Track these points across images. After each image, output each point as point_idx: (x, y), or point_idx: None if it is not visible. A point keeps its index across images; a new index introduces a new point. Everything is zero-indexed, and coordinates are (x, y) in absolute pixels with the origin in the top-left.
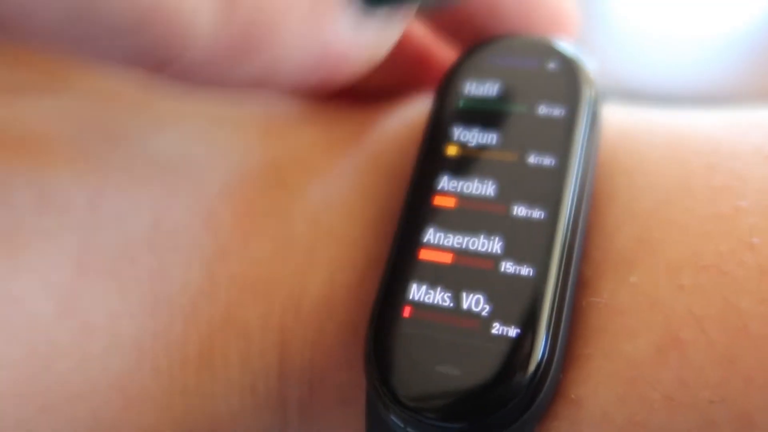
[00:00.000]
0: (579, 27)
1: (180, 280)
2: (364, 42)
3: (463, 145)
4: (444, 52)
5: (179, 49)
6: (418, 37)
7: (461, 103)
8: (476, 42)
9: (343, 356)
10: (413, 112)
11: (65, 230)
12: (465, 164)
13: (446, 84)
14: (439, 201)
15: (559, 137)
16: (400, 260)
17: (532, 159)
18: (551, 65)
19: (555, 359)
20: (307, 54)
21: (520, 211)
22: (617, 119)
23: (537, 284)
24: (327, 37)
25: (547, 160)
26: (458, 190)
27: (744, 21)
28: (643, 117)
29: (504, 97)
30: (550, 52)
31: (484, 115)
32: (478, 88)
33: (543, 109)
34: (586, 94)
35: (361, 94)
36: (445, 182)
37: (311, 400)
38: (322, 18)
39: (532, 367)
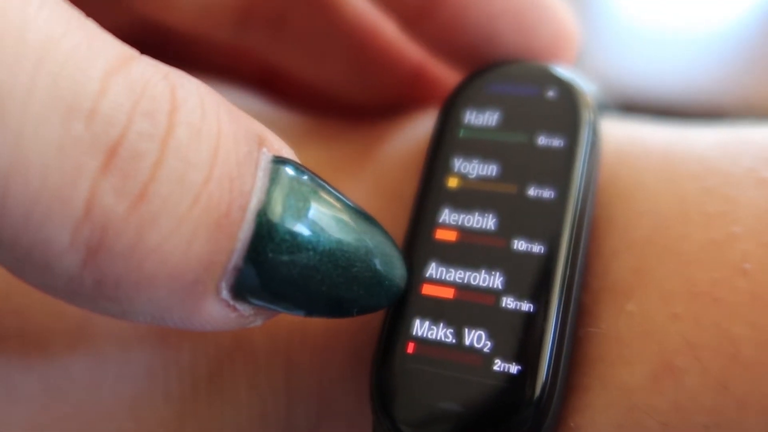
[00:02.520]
0: (579, 48)
1: None
2: (231, 321)
3: (463, 177)
4: (440, 70)
5: (42, 280)
6: (414, 56)
7: (461, 133)
8: (476, 68)
9: (349, 382)
10: (414, 134)
11: None
12: (466, 197)
13: (446, 112)
14: (440, 234)
15: (558, 169)
16: (403, 294)
17: (532, 191)
18: (550, 93)
19: (556, 393)
20: (164, 315)
21: (520, 245)
22: (614, 141)
23: (537, 320)
24: (191, 312)
25: (547, 193)
26: (459, 223)
27: (740, 16)
28: (638, 136)
29: (503, 127)
30: (549, 79)
31: (484, 145)
32: (478, 117)
33: (542, 140)
34: (585, 124)
35: (358, 109)
36: (446, 215)
37: (319, 424)
38: (190, 298)
39: (533, 403)
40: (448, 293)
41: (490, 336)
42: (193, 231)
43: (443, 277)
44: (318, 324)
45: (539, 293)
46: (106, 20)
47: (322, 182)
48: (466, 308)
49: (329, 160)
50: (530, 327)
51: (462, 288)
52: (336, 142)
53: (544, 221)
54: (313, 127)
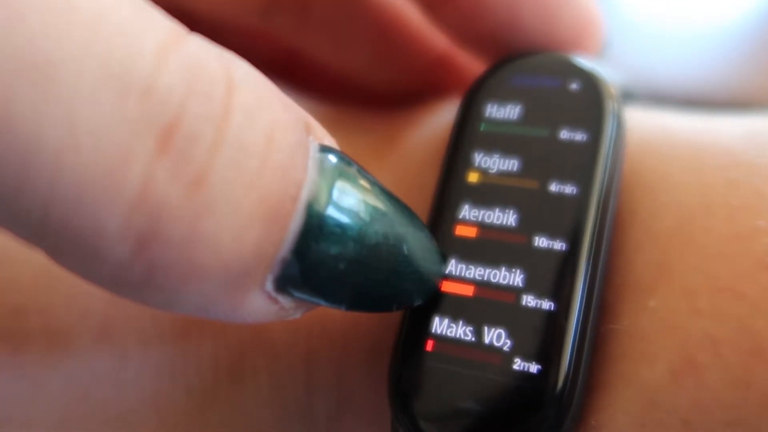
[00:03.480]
0: (605, 36)
1: None
2: (271, 314)
3: (484, 172)
4: (463, 58)
5: (88, 268)
6: (438, 43)
7: (482, 127)
8: (499, 58)
9: (368, 375)
10: (436, 124)
11: None
12: (486, 192)
13: (467, 105)
14: (460, 231)
15: (581, 164)
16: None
17: (554, 187)
18: (573, 85)
19: (576, 392)
20: (208, 308)
21: (541, 242)
22: (639, 130)
23: (558, 319)
24: (235, 305)
25: (569, 189)
26: (480, 219)
27: (746, 12)
28: (663, 126)
29: (525, 121)
30: (572, 70)
31: (505, 139)
32: (499, 110)
33: (565, 134)
34: (609, 117)
35: (381, 96)
36: (466, 211)
37: (339, 416)
38: (238, 290)
39: (552, 403)
40: (467, 291)
41: (510, 334)
42: (248, 220)
43: (463, 274)
44: (337, 317)
45: (560, 291)
46: None
47: (367, 173)
48: (485, 306)
49: (351, 150)
50: (551, 326)
51: (482, 285)
52: (358, 132)
53: (566, 217)
54: (335, 115)
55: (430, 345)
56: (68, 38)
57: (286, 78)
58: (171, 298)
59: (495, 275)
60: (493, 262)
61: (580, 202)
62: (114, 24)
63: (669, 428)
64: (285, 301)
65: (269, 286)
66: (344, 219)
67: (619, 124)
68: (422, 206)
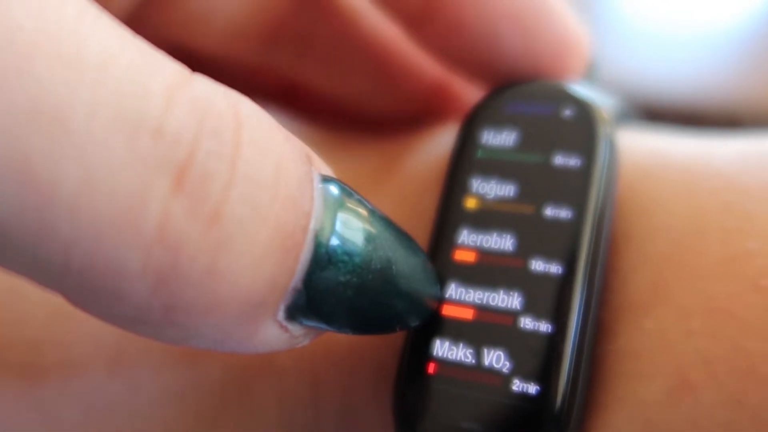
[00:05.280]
0: (592, 56)
1: None
2: (282, 342)
3: (481, 198)
4: (458, 84)
5: (109, 309)
6: (433, 71)
7: (479, 153)
8: (494, 87)
9: (374, 397)
10: (435, 150)
11: None
12: (484, 218)
13: (464, 132)
14: (459, 255)
15: (575, 189)
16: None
17: (549, 211)
18: (567, 112)
19: (575, 412)
20: (222, 341)
21: (538, 265)
22: (634, 154)
23: (556, 340)
24: (250, 335)
25: (564, 213)
26: (478, 244)
27: (747, 15)
28: (657, 149)
29: (520, 147)
30: (565, 97)
31: (502, 165)
32: (495, 137)
33: (559, 159)
34: (602, 142)
35: (379, 122)
36: (465, 236)
37: None
38: (252, 321)
39: (552, 423)
40: (467, 314)
41: (509, 356)
42: (264, 252)
43: (462, 298)
44: (342, 341)
45: (557, 313)
46: None
47: (365, 201)
48: (485, 329)
49: (350, 175)
50: (548, 347)
51: (481, 308)
52: (357, 157)
53: (561, 241)
54: (334, 140)
55: (431, 368)
56: (77, 85)
57: (285, 106)
58: (188, 334)
59: (494, 298)
60: (492, 285)
61: (575, 225)
62: (121, 68)
63: None
64: (294, 329)
65: (281, 315)
66: (348, 247)
67: (612, 149)
68: (422, 231)
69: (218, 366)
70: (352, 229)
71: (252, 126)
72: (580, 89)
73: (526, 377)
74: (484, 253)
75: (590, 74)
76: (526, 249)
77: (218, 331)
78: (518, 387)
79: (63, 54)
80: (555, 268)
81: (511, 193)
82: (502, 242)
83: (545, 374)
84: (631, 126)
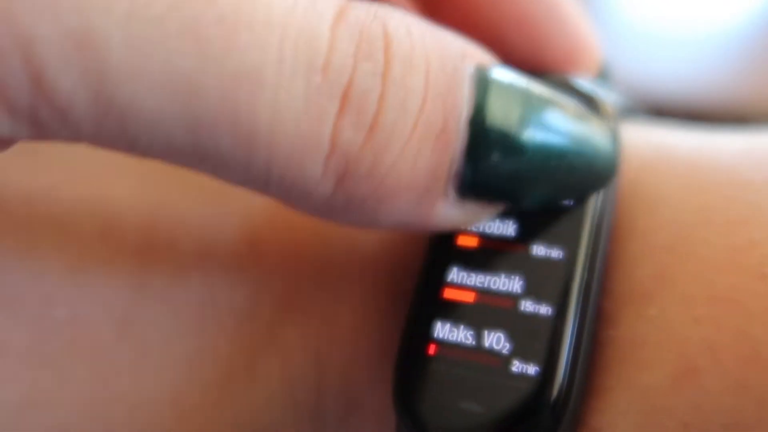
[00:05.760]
0: (603, 58)
1: (227, 303)
2: (461, 218)
3: None
4: None
5: (305, 204)
6: None
7: None
8: None
9: (377, 377)
10: None
11: (124, 255)
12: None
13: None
14: (462, 241)
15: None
16: (425, 298)
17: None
18: None
19: (573, 395)
20: (406, 221)
21: (539, 250)
22: (638, 148)
23: (555, 323)
24: (426, 215)
25: (566, 202)
26: (480, 229)
27: (746, 16)
28: (662, 143)
29: None
30: (569, 91)
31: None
32: None
33: None
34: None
35: None
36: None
37: (347, 416)
38: (424, 203)
39: (550, 404)
40: (468, 297)
41: (509, 338)
42: (418, 148)
43: (464, 282)
44: (345, 320)
45: (557, 296)
46: None
47: (526, 81)
48: (485, 311)
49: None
50: (548, 329)
51: (482, 292)
52: None
53: (563, 227)
54: None
55: (432, 349)
56: (269, 43)
57: None
58: (372, 218)
59: (495, 282)
60: (493, 270)
61: (578, 212)
62: (297, 21)
63: (668, 431)
64: (471, 206)
65: (452, 195)
66: (505, 127)
67: (615, 141)
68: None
69: (225, 338)
70: (506, 110)
71: (400, 40)
72: (585, 83)
73: (526, 358)
74: (486, 239)
75: (602, 77)
76: (528, 235)
77: (398, 214)
78: (517, 368)
79: (258, 20)
80: (556, 253)
81: None
82: (505, 228)
83: (545, 356)
84: (637, 121)
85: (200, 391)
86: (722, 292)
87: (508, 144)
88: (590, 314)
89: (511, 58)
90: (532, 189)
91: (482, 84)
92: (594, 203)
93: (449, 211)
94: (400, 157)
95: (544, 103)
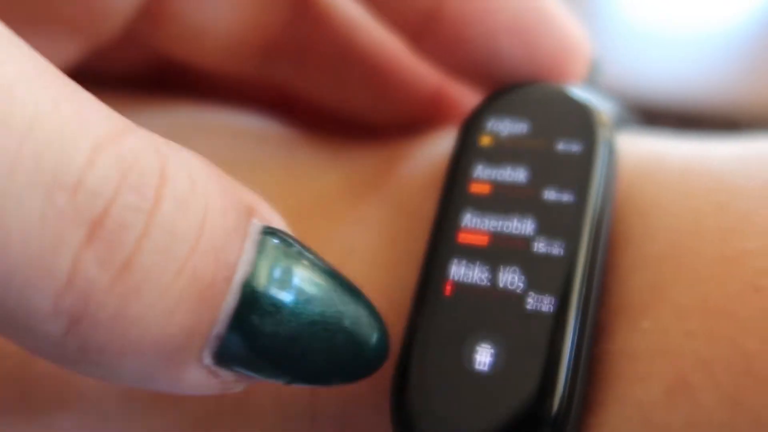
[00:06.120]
0: (593, 62)
1: None
2: (213, 386)
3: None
4: (456, 91)
5: (27, 343)
6: (431, 79)
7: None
8: (492, 88)
9: (372, 405)
10: (433, 152)
11: None
12: (489, 201)
13: (465, 131)
14: (464, 238)
15: (577, 177)
16: (440, 241)
17: (552, 195)
18: (567, 114)
19: (573, 409)
20: (149, 381)
21: (550, 195)
22: (633, 157)
23: (568, 259)
24: (175, 378)
25: (566, 196)
26: (487, 227)
27: (746, 16)
28: (657, 152)
29: (525, 136)
30: (564, 100)
31: (505, 153)
32: (506, 126)
33: (561, 146)
34: (602, 138)
35: (375, 127)
36: (468, 219)
37: None
38: (173, 365)
39: (551, 418)
40: (482, 240)
41: (524, 275)
42: (176, 301)
43: (478, 225)
44: None
45: (569, 236)
46: (126, 56)
47: (308, 252)
48: (499, 252)
49: (349, 181)
50: (561, 266)
51: (496, 234)
52: (355, 162)
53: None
54: (331, 146)
55: (448, 289)
56: (2, 143)
57: (281, 114)
58: (109, 373)
59: (508, 225)
60: (496, 265)
61: (577, 207)
62: (48, 128)
63: None
64: (225, 374)
65: (207, 361)
66: (281, 297)
67: (611, 150)
68: (423, 228)
69: None
70: (286, 280)
71: (178, 181)
72: (580, 92)
73: (540, 295)
74: (495, 236)
75: (593, 78)
76: (538, 179)
77: (139, 372)
78: (532, 304)
79: None
80: (557, 250)
81: (515, 178)
82: (519, 225)
83: (559, 291)
84: (630, 130)
85: (190, 428)
86: (716, 304)
87: (281, 314)
88: (601, 251)
89: (504, 67)
90: (296, 365)
91: (264, 246)
92: (593, 201)
93: (201, 378)
94: (153, 308)
95: (323, 276)
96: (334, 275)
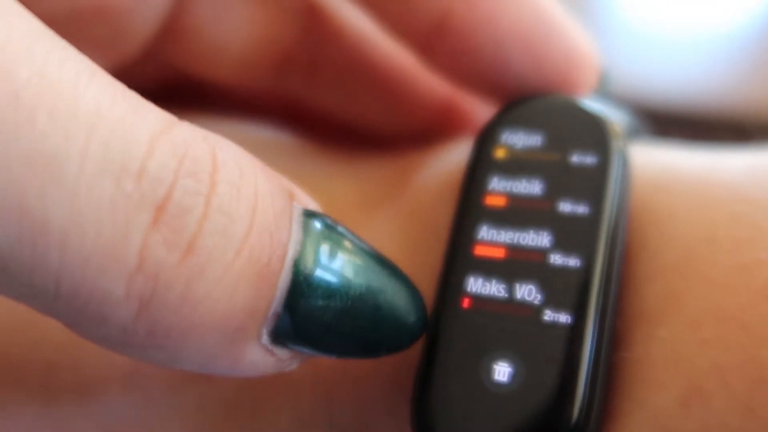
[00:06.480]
0: (602, 71)
1: None
2: (270, 365)
3: (500, 195)
4: (466, 102)
5: (97, 331)
6: (441, 90)
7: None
8: (503, 98)
9: (389, 412)
10: (446, 164)
11: None
12: (505, 214)
13: (479, 144)
14: (480, 251)
15: (592, 188)
16: (457, 255)
17: (568, 207)
18: (581, 126)
19: (592, 417)
20: (211, 363)
21: (565, 207)
22: (648, 168)
23: (585, 272)
24: (235, 358)
25: (582, 208)
26: (503, 240)
27: (747, 18)
28: (670, 163)
29: (541, 148)
30: (578, 112)
31: (520, 165)
32: (520, 139)
33: (575, 159)
34: (616, 150)
35: (386, 139)
36: (484, 232)
37: None
38: (235, 344)
39: (570, 427)
40: (499, 253)
41: (540, 289)
42: (237, 280)
43: (494, 238)
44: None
45: (585, 249)
46: (143, 72)
47: (347, 232)
48: (516, 266)
49: (362, 193)
50: (577, 279)
51: (512, 248)
52: (368, 173)
53: (580, 237)
54: (344, 158)
55: (466, 302)
56: (71, 136)
57: (295, 126)
58: (174, 356)
59: (524, 238)
60: (513, 279)
61: (592, 221)
62: (111, 120)
63: None
64: (281, 352)
65: (265, 339)
66: (329, 275)
67: (625, 162)
68: (439, 239)
69: (232, 382)
70: (331, 258)
71: (228, 167)
72: (592, 105)
73: (557, 307)
74: (510, 249)
75: (602, 87)
76: (554, 192)
77: (202, 354)
78: (549, 317)
79: (60, 109)
80: (574, 262)
81: (530, 191)
82: (538, 239)
83: (576, 304)
84: (643, 140)
85: None
86: (729, 313)
87: (330, 291)
88: (617, 263)
89: (513, 77)
90: (345, 339)
91: (309, 227)
92: (609, 214)
93: (259, 357)
94: (216, 287)
95: (363, 253)
96: (373, 253)
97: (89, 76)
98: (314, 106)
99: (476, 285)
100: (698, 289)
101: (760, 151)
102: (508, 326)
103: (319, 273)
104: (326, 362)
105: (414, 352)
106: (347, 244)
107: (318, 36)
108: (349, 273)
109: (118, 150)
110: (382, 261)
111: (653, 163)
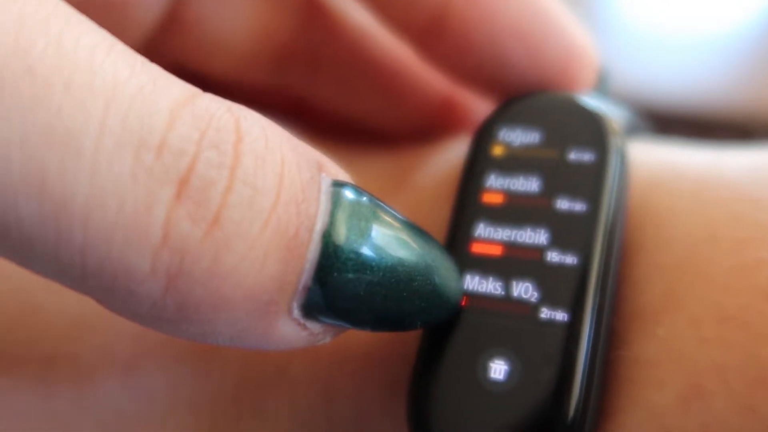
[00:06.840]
0: (601, 68)
1: None
2: (302, 339)
3: (497, 192)
4: (465, 98)
5: (128, 307)
6: (441, 86)
7: (495, 152)
8: (503, 94)
9: (387, 408)
10: (444, 160)
11: None
12: (502, 211)
13: (477, 141)
14: (477, 249)
15: (589, 185)
16: (454, 252)
17: (565, 205)
18: (579, 123)
19: (589, 415)
20: (242, 337)
21: (563, 204)
22: (647, 166)
23: (582, 270)
24: (266, 332)
25: (579, 206)
26: (500, 237)
27: (748, 20)
28: (670, 161)
29: (539, 145)
30: (576, 109)
31: (518, 162)
32: (518, 136)
33: (573, 156)
34: (614, 147)
35: (389, 135)
36: (481, 230)
37: None
38: (266, 318)
39: (567, 424)
40: (496, 251)
41: (537, 287)
42: (266, 253)
43: (491, 236)
44: (357, 350)
45: (583, 246)
46: None
47: (379, 202)
48: (513, 263)
49: (362, 186)
50: (574, 278)
51: (509, 245)
52: (368, 169)
53: (575, 234)
54: (344, 153)
55: (464, 301)
56: (88, 110)
57: (295, 121)
58: (205, 330)
59: (521, 236)
60: (510, 276)
61: (590, 219)
62: (129, 92)
63: None
64: (313, 326)
65: (296, 312)
66: (360, 246)
67: (623, 160)
68: (437, 237)
69: (232, 376)
70: (362, 229)
71: (253, 137)
72: (591, 101)
73: (554, 306)
74: (508, 246)
75: (601, 85)
76: (551, 189)
77: (233, 328)
78: (546, 315)
79: (77, 81)
80: (570, 259)
81: (528, 188)
82: (533, 236)
83: (572, 302)
84: (643, 138)
85: (209, 430)
86: (730, 312)
87: (361, 263)
88: (614, 261)
89: (511, 73)
90: (379, 312)
91: (338, 198)
92: (606, 209)
93: (291, 331)
94: (244, 260)
95: (396, 224)
96: (407, 222)
97: (107, 47)
98: (313, 102)
99: (473, 283)
100: (698, 288)
101: (761, 151)
102: (505, 324)
103: (350, 245)
104: (323, 359)
105: (411, 350)
106: (379, 214)
107: (317, 30)
108: (381, 244)
109: (137, 122)
110: (417, 231)
111: (653, 160)
